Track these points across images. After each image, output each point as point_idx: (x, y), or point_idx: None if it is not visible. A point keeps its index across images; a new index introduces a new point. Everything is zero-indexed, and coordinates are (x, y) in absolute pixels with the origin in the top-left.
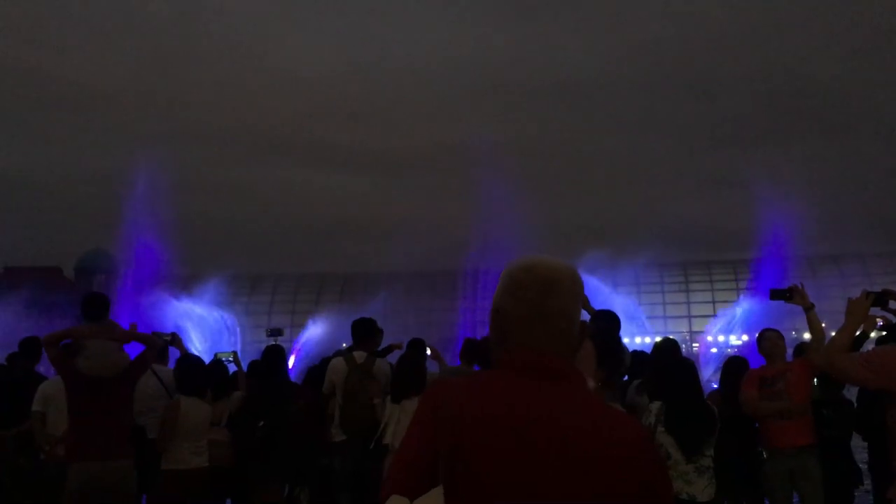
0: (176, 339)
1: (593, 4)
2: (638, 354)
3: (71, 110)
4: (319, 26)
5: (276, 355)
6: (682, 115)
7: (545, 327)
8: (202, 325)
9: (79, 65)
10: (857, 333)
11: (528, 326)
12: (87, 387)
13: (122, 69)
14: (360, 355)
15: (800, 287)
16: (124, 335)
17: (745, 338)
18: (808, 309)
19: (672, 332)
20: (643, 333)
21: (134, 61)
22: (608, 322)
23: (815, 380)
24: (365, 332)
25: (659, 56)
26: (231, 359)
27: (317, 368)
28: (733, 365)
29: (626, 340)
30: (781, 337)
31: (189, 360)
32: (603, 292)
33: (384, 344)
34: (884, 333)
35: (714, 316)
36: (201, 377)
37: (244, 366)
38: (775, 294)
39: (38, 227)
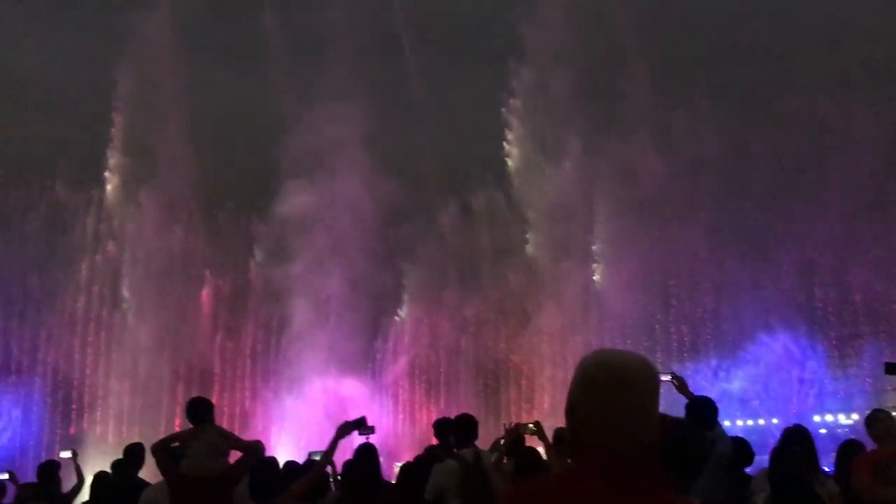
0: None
1: None
2: (736, 441)
3: None
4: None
5: (368, 455)
6: None
7: (618, 425)
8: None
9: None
10: None
11: (601, 425)
12: (189, 487)
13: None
14: (468, 453)
15: None
16: (227, 442)
17: (854, 417)
18: None
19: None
20: (753, 415)
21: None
22: (704, 408)
23: None
24: (469, 428)
25: None
26: None
27: (411, 467)
28: (849, 449)
29: (727, 423)
30: (892, 418)
31: (261, 466)
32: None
33: None
34: None
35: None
36: (272, 483)
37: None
38: (892, 368)
39: None
